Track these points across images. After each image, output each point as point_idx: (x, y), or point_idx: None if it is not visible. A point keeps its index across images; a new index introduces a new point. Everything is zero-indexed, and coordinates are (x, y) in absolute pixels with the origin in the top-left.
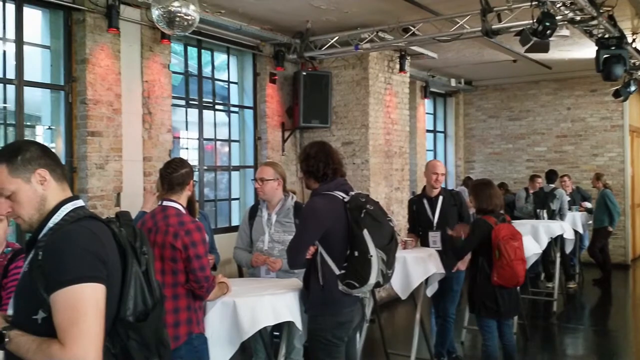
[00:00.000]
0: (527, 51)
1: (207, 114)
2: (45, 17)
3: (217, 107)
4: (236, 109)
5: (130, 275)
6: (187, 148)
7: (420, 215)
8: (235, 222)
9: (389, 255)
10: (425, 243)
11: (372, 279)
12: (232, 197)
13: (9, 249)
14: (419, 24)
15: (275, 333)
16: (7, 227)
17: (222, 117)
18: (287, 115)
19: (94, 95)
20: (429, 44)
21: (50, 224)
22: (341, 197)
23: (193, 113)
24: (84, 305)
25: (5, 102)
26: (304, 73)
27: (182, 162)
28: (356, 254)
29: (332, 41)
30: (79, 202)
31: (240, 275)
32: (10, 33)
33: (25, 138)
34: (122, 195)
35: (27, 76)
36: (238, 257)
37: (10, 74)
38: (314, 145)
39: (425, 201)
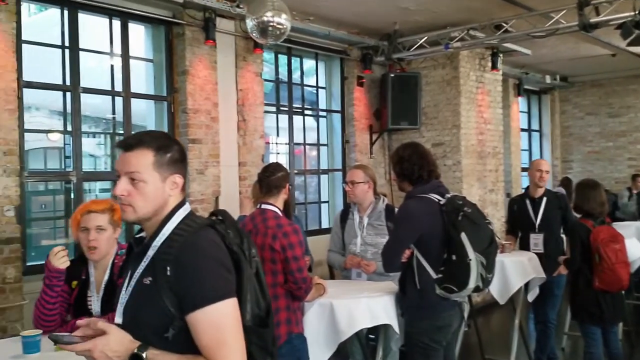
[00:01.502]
0: (629, 45)
1: (297, 119)
2: (148, 32)
3: (306, 112)
4: (324, 114)
5: (246, 280)
6: (278, 153)
7: (521, 216)
8: (324, 224)
9: (489, 258)
10: (525, 245)
11: (472, 283)
12: (322, 200)
13: (123, 250)
14: (511, 20)
15: (370, 336)
16: (119, 231)
17: (310, 121)
18: (374, 117)
19: (193, 104)
20: (522, 40)
21: (166, 231)
22: (437, 200)
23: (283, 119)
24: (227, 324)
25: (114, 113)
26: (392, 75)
27: (279, 166)
28: (454, 257)
29: (421, 41)
30: (188, 207)
31: (332, 277)
32: (117, 48)
33: None
34: (220, 199)
35: (134, 88)
36: (331, 259)
37: (118, 87)
38: (408, 147)
39: (527, 202)
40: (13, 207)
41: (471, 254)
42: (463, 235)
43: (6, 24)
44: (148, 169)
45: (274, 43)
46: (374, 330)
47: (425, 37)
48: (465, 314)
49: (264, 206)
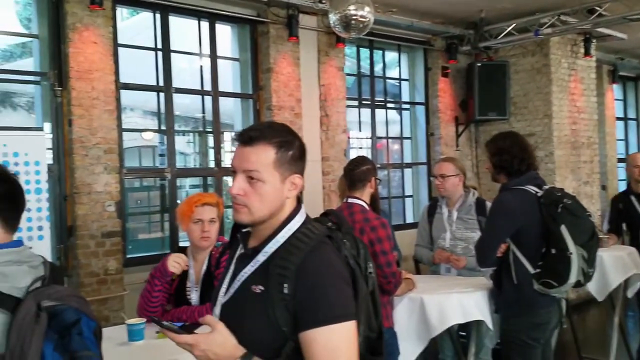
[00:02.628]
0: None
1: (379, 113)
2: (234, 31)
3: (388, 105)
4: (407, 106)
5: (361, 300)
6: (360, 147)
7: (629, 213)
8: (409, 219)
9: (590, 252)
10: (636, 244)
11: (572, 278)
12: (406, 194)
13: (219, 242)
14: (605, 3)
15: (461, 333)
16: (218, 226)
17: (393, 114)
18: (460, 108)
19: (277, 101)
20: (617, 24)
21: (281, 238)
22: (534, 192)
23: (365, 112)
24: (344, 349)
25: (204, 112)
26: (479, 64)
27: (364, 160)
28: (553, 251)
29: (509, 29)
30: (304, 212)
31: (417, 272)
32: (206, 49)
33: (221, 145)
34: (304, 194)
35: (221, 87)
36: (419, 254)
37: (207, 86)
38: (507, 138)
39: (633, 198)
40: (114, 203)
41: (572, 247)
42: (563, 228)
43: (103, 28)
44: (268, 168)
45: (357, 37)
46: (465, 326)
47: (514, 24)
48: (564, 311)
49: (350, 200)
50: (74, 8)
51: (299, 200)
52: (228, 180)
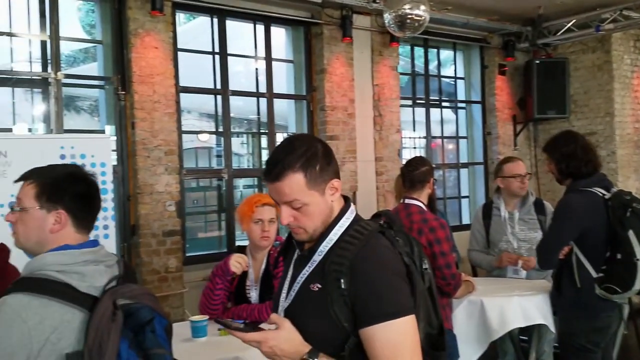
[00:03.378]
0: None
1: (434, 112)
2: (288, 33)
3: (443, 104)
4: (463, 105)
5: (419, 295)
6: (414, 147)
7: None
8: (465, 220)
9: None
10: None
11: (638, 285)
12: (462, 194)
13: (277, 242)
14: None
15: (522, 337)
16: (277, 227)
17: (448, 114)
18: (518, 107)
19: (331, 102)
20: None
21: (333, 236)
22: (601, 194)
23: (419, 112)
24: (406, 343)
25: (258, 113)
26: (537, 61)
27: (423, 160)
28: (619, 256)
29: (569, 25)
30: (354, 210)
31: (474, 274)
32: (261, 51)
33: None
34: (357, 194)
35: (275, 89)
36: (476, 259)
37: (262, 88)
38: (569, 141)
39: None
40: (174, 202)
41: (639, 253)
42: (631, 233)
43: (164, 33)
44: (304, 191)
45: (412, 36)
46: (526, 330)
47: (574, 20)
48: (625, 316)
49: (407, 201)
50: (136, 14)
51: (346, 198)
52: None
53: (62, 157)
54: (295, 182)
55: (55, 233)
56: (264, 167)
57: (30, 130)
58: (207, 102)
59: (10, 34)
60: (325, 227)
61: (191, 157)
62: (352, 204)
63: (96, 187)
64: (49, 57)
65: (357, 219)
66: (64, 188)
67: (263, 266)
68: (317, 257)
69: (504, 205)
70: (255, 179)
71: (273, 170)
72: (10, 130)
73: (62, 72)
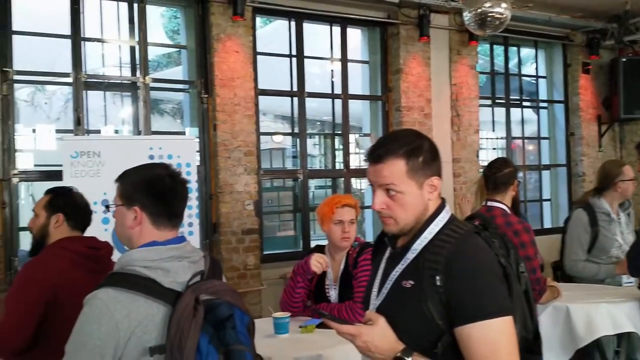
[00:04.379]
0: None
1: (514, 112)
2: (364, 34)
3: (524, 103)
4: (545, 104)
5: (515, 298)
6: (493, 148)
7: None
8: (546, 224)
9: None
10: None
11: None
12: (543, 197)
13: (356, 243)
14: None
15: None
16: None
17: (529, 113)
18: (603, 107)
19: (407, 102)
20: None
21: (428, 234)
22: None
23: (499, 112)
24: (504, 344)
25: (333, 114)
26: (624, 59)
27: (506, 162)
28: None
29: None
30: (449, 210)
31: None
32: (337, 53)
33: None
34: None
35: (351, 90)
36: (590, 270)
37: (337, 90)
38: None
39: None
40: (252, 202)
41: None
42: None
43: (244, 38)
44: (403, 179)
45: (492, 34)
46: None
47: None
48: None
49: (490, 203)
50: (218, 19)
51: (443, 199)
52: (355, 181)
53: (151, 157)
54: (395, 167)
55: (135, 229)
56: (337, 168)
57: (117, 131)
58: (282, 104)
59: (101, 40)
60: (419, 225)
61: (266, 158)
62: (447, 205)
63: (177, 186)
64: (137, 61)
65: (452, 219)
66: (139, 187)
67: (342, 266)
68: (411, 255)
69: (610, 210)
70: (326, 179)
71: (376, 151)
72: (100, 132)
73: (149, 77)
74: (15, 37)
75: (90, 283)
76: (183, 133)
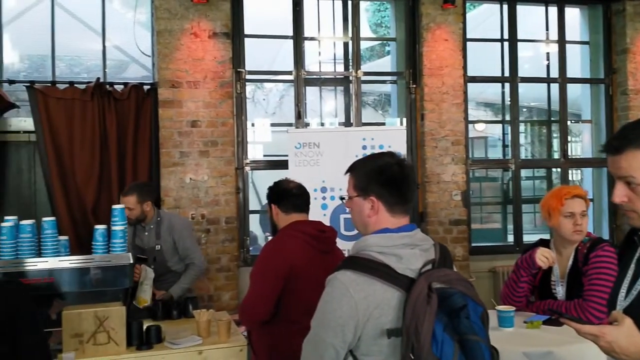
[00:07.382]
0: None
1: None
2: (583, 13)
3: None
4: None
5: None
6: None
7: None
8: None
9: None
10: None
11: None
12: None
13: (587, 238)
14: None
15: None
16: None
17: None
18: None
19: (635, 84)
20: None
21: None
22: None
23: None
24: None
25: (549, 100)
26: None
27: None
28: None
29: None
30: None
31: None
32: (553, 35)
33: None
34: None
35: (569, 73)
36: None
37: (553, 73)
38: None
39: None
40: (460, 192)
41: None
42: None
43: (454, 25)
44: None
45: None
46: None
47: None
48: None
49: None
50: (428, 9)
51: None
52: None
53: (364, 147)
54: (634, 159)
55: (372, 217)
56: (554, 157)
57: (330, 124)
58: (484, 91)
59: (317, 39)
60: None
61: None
62: None
63: (406, 172)
64: (350, 56)
65: None
66: (373, 177)
67: (570, 262)
68: None
69: None
70: (543, 170)
71: (614, 142)
72: (320, 125)
73: (361, 70)
74: (246, 40)
75: (320, 261)
76: (383, 124)
